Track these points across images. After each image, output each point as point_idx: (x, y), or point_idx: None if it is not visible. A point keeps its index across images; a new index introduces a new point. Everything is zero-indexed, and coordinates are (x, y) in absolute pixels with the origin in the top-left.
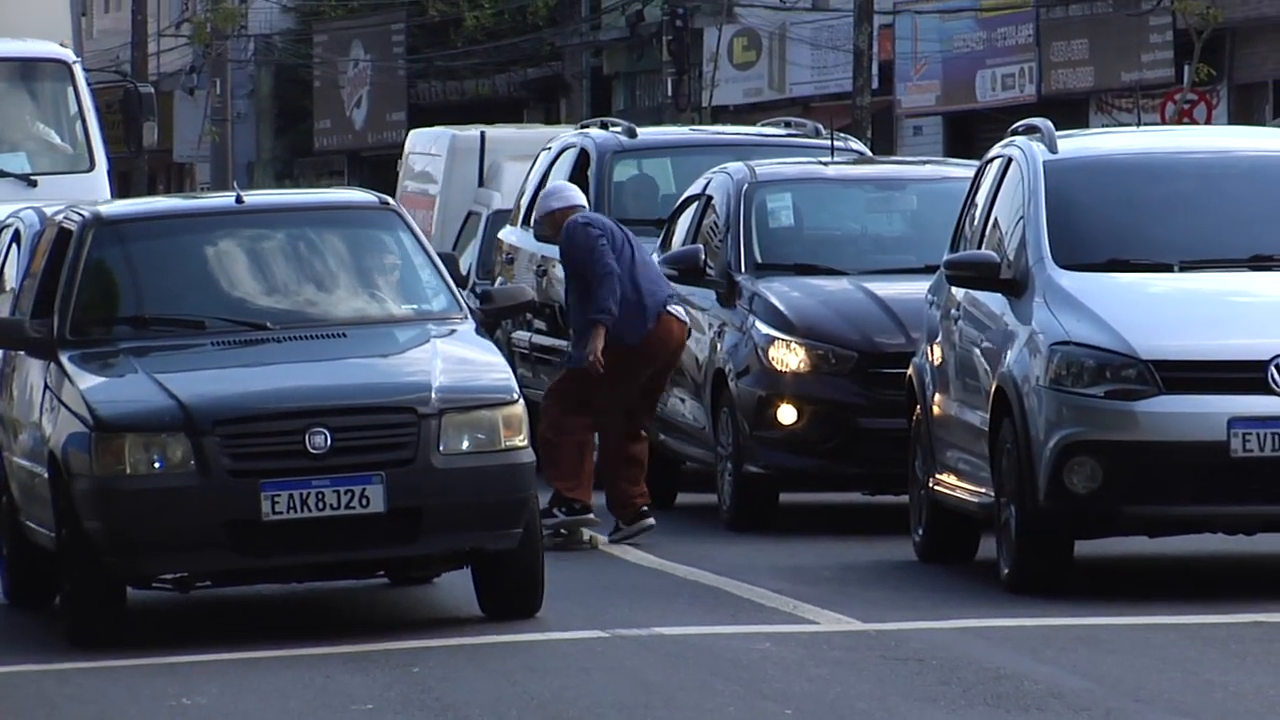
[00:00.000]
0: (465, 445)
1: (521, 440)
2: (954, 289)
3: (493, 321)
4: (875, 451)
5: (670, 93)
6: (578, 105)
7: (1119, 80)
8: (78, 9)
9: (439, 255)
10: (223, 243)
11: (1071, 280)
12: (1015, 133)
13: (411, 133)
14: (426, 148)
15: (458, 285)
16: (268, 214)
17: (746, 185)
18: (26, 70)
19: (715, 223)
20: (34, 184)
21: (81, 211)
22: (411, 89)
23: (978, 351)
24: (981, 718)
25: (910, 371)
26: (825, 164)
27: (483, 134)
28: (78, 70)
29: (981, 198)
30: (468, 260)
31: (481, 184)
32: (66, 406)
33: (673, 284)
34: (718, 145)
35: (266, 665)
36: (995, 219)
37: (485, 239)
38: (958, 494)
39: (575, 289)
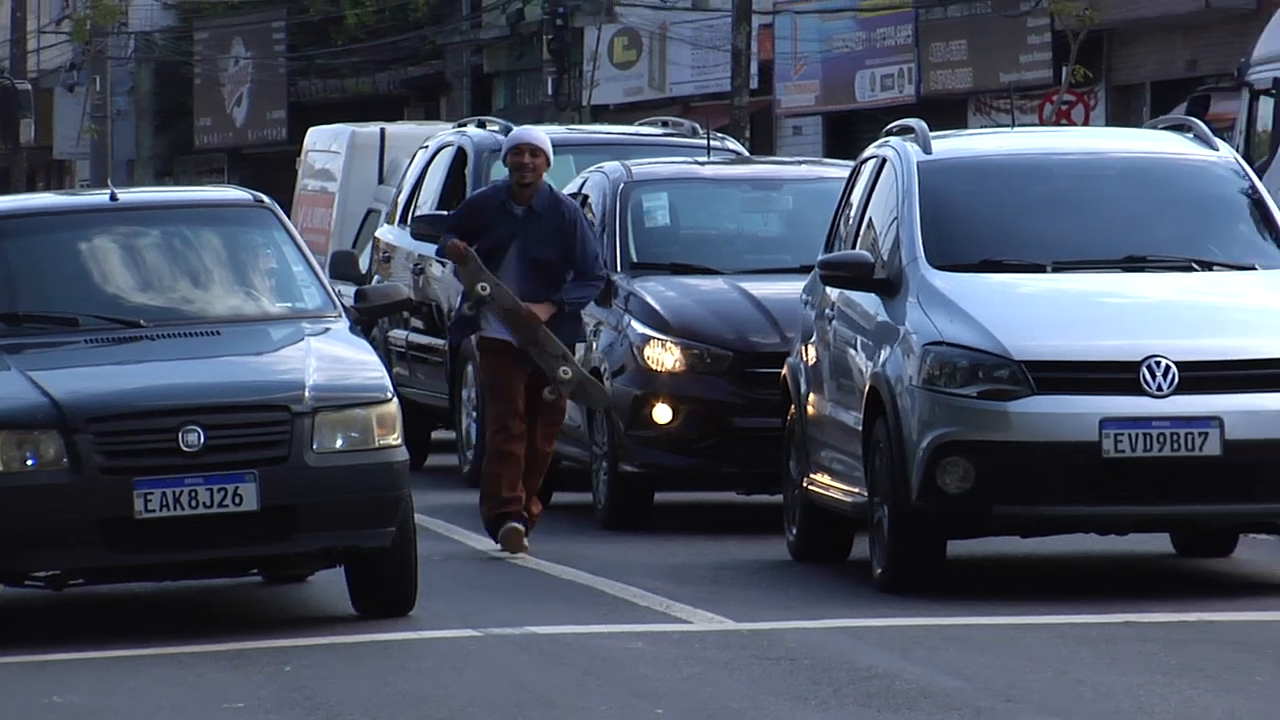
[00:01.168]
0: (339, 444)
1: (395, 439)
2: (828, 289)
3: (368, 320)
4: (750, 451)
5: (551, 91)
6: (459, 103)
7: (997, 81)
8: None
9: (338, 253)
10: (97, 240)
11: (945, 280)
12: (890, 133)
13: (310, 130)
14: (326, 145)
15: (356, 282)
16: (143, 212)
17: (623, 184)
18: None
19: (591, 222)
20: None
21: None
22: (292, 87)
23: (852, 351)
24: (853, 717)
25: (785, 371)
26: (702, 164)
27: (383, 130)
28: None
29: (856, 198)
30: (367, 257)
31: (381, 181)
32: None
33: None
34: (595, 144)
35: (139, 663)
36: (870, 219)
37: None
38: (832, 493)
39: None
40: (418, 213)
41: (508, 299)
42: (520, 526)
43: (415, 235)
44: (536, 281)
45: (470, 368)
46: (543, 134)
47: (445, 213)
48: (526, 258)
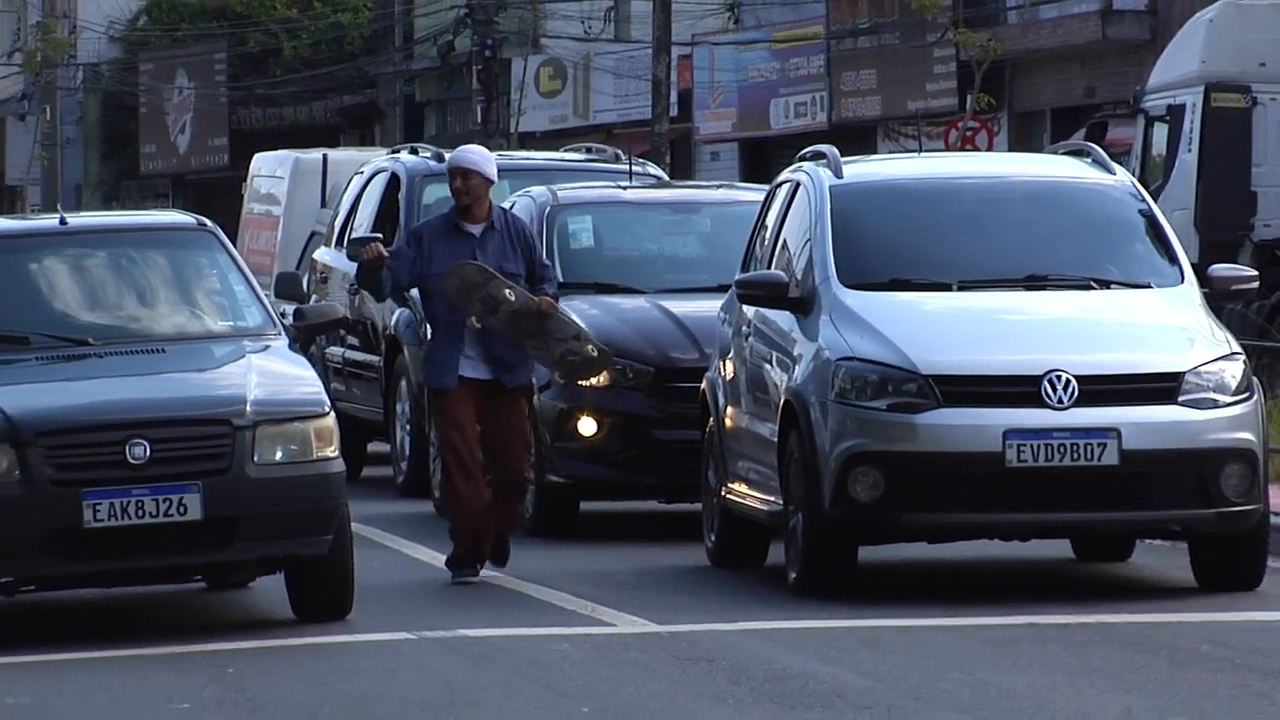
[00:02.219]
0: (279, 456)
1: (333, 451)
2: (745, 307)
3: (306, 338)
4: (670, 462)
5: (480, 119)
6: (392, 131)
7: (905, 109)
8: None
9: (282, 274)
10: (47, 262)
11: (856, 299)
12: (803, 158)
13: (255, 156)
14: (271, 170)
15: (300, 302)
16: (91, 235)
17: (549, 208)
18: None
19: None
20: None
21: None
22: (233, 115)
23: (767, 366)
24: (768, 715)
25: (704, 386)
26: (624, 188)
27: (325, 156)
28: None
29: (771, 220)
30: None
31: (324, 204)
32: None
33: None
34: (523, 170)
35: (87, 665)
36: (784, 240)
37: None
38: (748, 502)
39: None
40: (353, 235)
41: (524, 297)
42: (474, 579)
43: (351, 257)
44: None
45: (403, 383)
46: (476, 155)
47: (379, 235)
48: (500, 270)
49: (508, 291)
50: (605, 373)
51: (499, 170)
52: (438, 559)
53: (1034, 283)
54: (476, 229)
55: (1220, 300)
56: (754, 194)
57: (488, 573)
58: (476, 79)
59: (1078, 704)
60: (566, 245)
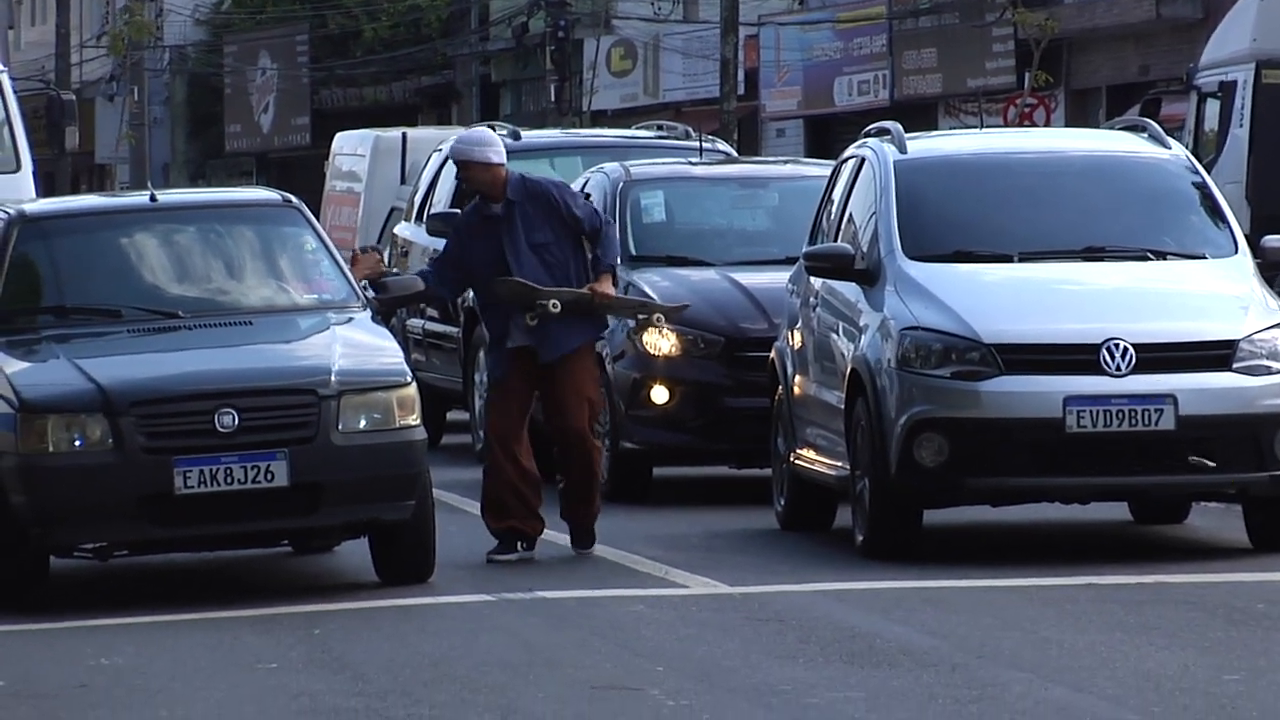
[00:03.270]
0: (362, 424)
1: (414, 420)
2: (812, 279)
3: (388, 310)
4: (741, 429)
5: (553, 98)
6: (468, 110)
7: (965, 86)
8: (5, 23)
9: (363, 248)
10: (138, 238)
11: (920, 270)
12: (868, 135)
13: (337, 135)
14: (352, 149)
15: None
16: (180, 211)
17: (622, 184)
18: None
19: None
20: None
21: (7, 210)
22: (314, 95)
23: (834, 336)
24: (838, 673)
25: (772, 355)
26: (694, 164)
27: (404, 135)
28: (4, 79)
29: (838, 194)
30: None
31: (403, 181)
32: None
33: None
34: (596, 146)
35: (178, 627)
36: (850, 214)
37: None
38: (816, 467)
39: (562, 245)
40: (432, 211)
41: (572, 296)
42: (509, 557)
43: (430, 232)
44: (545, 267)
45: (481, 353)
46: (463, 144)
47: (458, 210)
48: (527, 245)
49: (550, 303)
50: (678, 342)
51: (575, 147)
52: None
53: (1092, 254)
54: (499, 207)
55: (1273, 270)
56: (820, 169)
57: (564, 538)
58: (550, 59)
59: (1136, 661)
60: (639, 220)
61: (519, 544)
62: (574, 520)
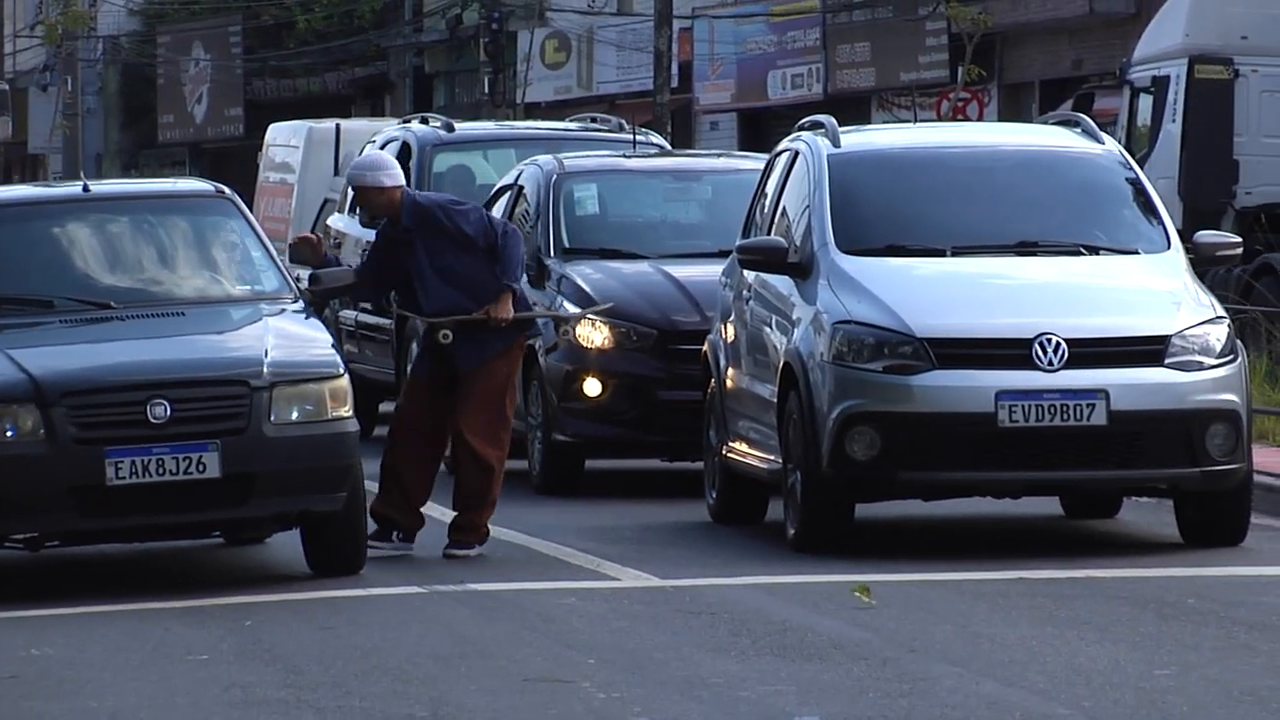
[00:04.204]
0: (294, 416)
1: (346, 411)
2: (745, 272)
3: (321, 301)
4: (673, 421)
5: (487, 90)
6: (401, 102)
7: (898, 80)
8: None
9: (297, 239)
10: (71, 228)
11: (853, 264)
12: (802, 128)
13: (271, 126)
14: (286, 140)
15: (313, 267)
16: (113, 201)
17: (555, 176)
18: None
19: (527, 210)
20: None
21: None
22: (248, 86)
23: (767, 329)
24: (769, 666)
25: (705, 348)
26: (628, 157)
27: (338, 126)
28: None
29: (771, 187)
30: None
31: (337, 173)
32: None
33: None
34: (529, 139)
35: (110, 618)
36: (784, 207)
37: None
38: (748, 461)
39: (466, 262)
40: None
41: (467, 324)
42: (382, 547)
43: (363, 223)
44: (458, 287)
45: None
46: (354, 170)
47: None
48: (432, 269)
49: (441, 334)
50: (611, 334)
51: (508, 139)
52: (447, 515)
53: (1025, 248)
54: (399, 230)
55: (1205, 265)
56: (753, 162)
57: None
58: (484, 51)
59: (1067, 655)
60: (572, 212)
61: (394, 534)
62: (454, 520)
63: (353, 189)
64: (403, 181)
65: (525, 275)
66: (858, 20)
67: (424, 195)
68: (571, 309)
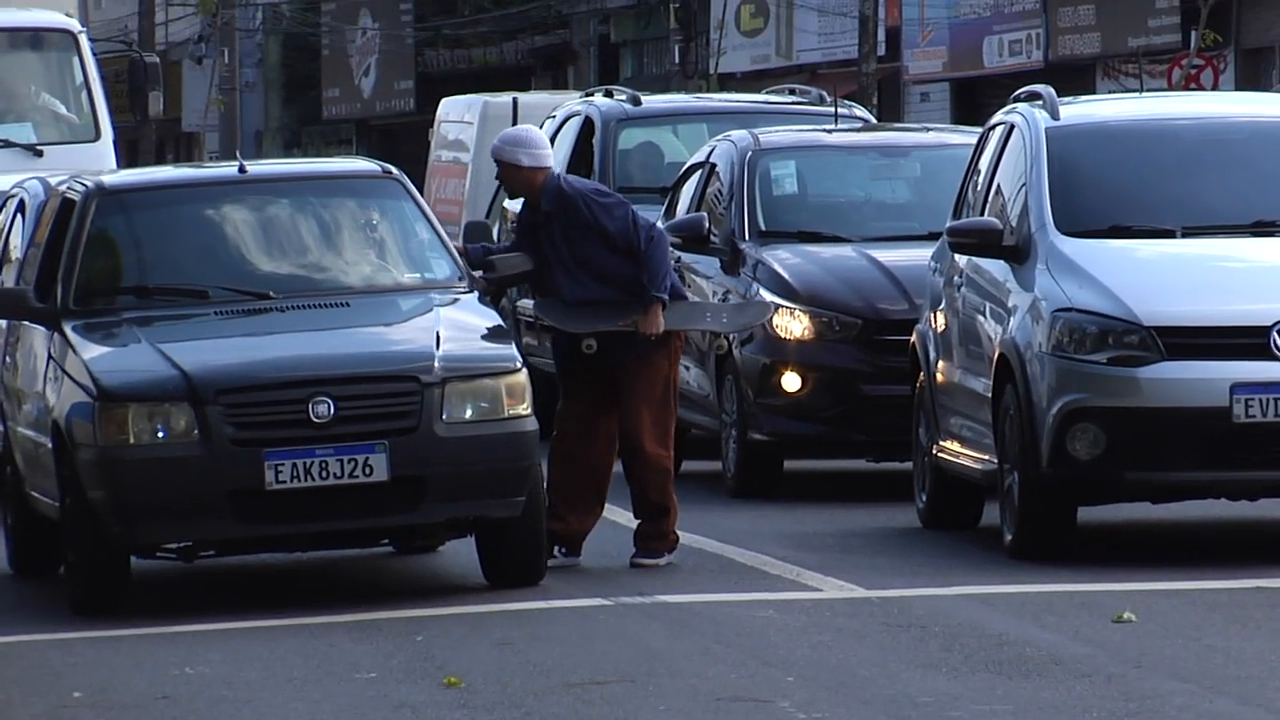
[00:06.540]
0: (468, 414)
1: (525, 409)
2: (957, 256)
3: (497, 290)
4: (879, 418)
5: (677, 60)
6: (585, 73)
7: (1125, 46)
8: None
9: (470, 223)
10: (226, 212)
11: (1073, 247)
12: (1018, 99)
13: (443, 101)
14: (459, 115)
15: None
16: (271, 183)
17: (750, 153)
18: (33, 40)
19: (719, 190)
20: (40, 154)
21: (84, 181)
22: (419, 57)
23: (981, 318)
24: (983, 684)
25: (913, 338)
26: (829, 131)
27: (515, 100)
28: (83, 40)
29: (984, 164)
30: (498, 227)
31: None
32: (70, 377)
33: (677, 251)
34: (722, 113)
35: (270, 634)
36: (998, 186)
37: None
38: (961, 460)
39: (605, 255)
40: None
41: (613, 335)
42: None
43: (467, 240)
44: (599, 281)
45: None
46: (500, 142)
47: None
48: (573, 260)
49: (585, 344)
50: (811, 325)
51: (699, 113)
52: (634, 522)
53: (1262, 228)
54: (542, 215)
55: None
56: (966, 137)
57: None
58: (674, 17)
59: None
60: (769, 192)
61: (556, 549)
62: (639, 527)
63: (495, 162)
64: (547, 164)
65: (719, 261)
66: None
67: (572, 181)
68: (767, 298)
